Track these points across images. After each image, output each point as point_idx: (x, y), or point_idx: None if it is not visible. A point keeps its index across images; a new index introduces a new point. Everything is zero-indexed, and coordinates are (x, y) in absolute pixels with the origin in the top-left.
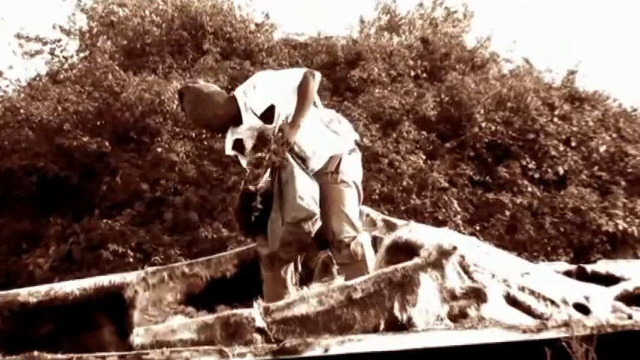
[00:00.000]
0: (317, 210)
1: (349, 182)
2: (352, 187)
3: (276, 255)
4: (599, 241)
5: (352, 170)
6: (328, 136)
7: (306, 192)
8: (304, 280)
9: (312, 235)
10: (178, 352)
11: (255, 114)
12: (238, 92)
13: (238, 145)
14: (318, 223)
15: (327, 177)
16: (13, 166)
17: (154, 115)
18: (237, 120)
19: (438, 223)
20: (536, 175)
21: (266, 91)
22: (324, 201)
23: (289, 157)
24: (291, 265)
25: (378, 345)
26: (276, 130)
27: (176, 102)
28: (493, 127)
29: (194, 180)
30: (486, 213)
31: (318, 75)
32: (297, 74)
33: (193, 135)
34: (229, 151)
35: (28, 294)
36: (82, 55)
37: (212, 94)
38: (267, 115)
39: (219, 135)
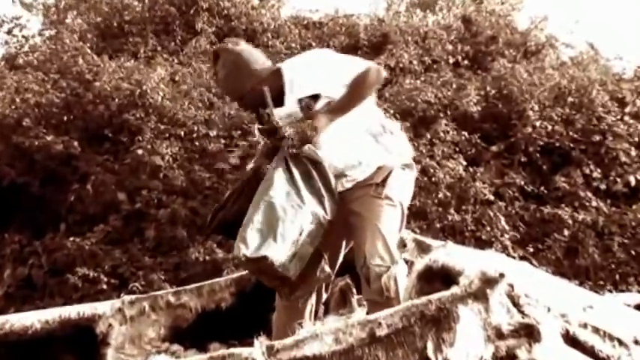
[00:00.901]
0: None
1: (395, 201)
2: (397, 207)
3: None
4: None
5: (401, 188)
6: (375, 148)
7: None
8: (317, 312)
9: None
10: None
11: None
12: (286, 66)
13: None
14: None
15: (369, 189)
16: None
17: (133, 110)
18: (277, 100)
19: (482, 244)
20: (603, 186)
21: (318, 75)
22: (361, 216)
23: (308, 152)
24: (314, 294)
25: None
26: (305, 112)
27: (161, 93)
28: (550, 127)
29: (182, 189)
30: (541, 232)
31: (382, 73)
32: (359, 65)
33: (182, 134)
34: (259, 137)
35: None
36: (46, 34)
37: (254, 62)
38: (308, 104)
39: (248, 112)
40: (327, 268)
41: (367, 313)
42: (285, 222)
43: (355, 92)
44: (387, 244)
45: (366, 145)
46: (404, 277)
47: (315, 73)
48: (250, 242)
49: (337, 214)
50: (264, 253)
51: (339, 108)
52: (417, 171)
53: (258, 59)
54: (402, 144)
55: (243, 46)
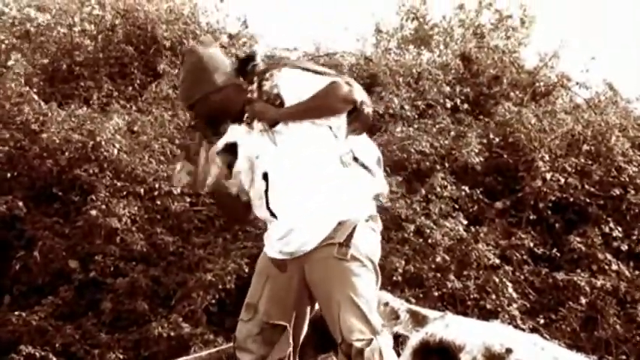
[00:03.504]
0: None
1: (364, 260)
2: (369, 267)
3: None
4: None
5: (369, 244)
6: (344, 190)
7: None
8: None
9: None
10: None
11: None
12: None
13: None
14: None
15: (332, 249)
16: None
17: (86, 164)
18: (238, 115)
19: (486, 315)
20: (624, 247)
21: (285, 90)
22: (327, 284)
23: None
24: None
25: None
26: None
27: (118, 145)
28: (562, 180)
29: (142, 255)
30: (554, 300)
31: (351, 87)
32: (325, 80)
33: (142, 191)
34: (216, 152)
35: None
36: None
37: (213, 69)
38: None
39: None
40: (290, 341)
41: None
42: None
43: (313, 102)
44: (365, 315)
45: (330, 185)
46: (390, 348)
47: (292, 82)
48: None
49: (295, 278)
50: None
51: (295, 108)
52: (410, 232)
53: (220, 67)
54: (375, 182)
55: (209, 50)
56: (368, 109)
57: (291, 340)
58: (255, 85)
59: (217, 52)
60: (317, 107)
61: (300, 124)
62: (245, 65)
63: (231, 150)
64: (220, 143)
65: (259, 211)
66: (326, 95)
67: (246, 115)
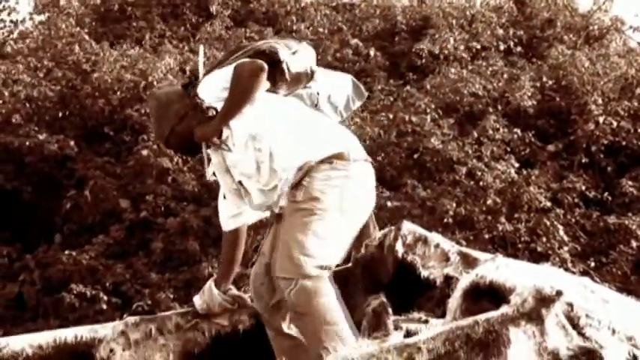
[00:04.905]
0: None
1: (311, 202)
2: (318, 207)
3: None
4: None
5: (323, 184)
6: (300, 139)
7: None
8: None
9: None
10: None
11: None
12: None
13: None
14: None
15: (290, 195)
16: None
17: (137, 104)
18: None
19: (537, 258)
20: None
21: (210, 87)
22: (283, 228)
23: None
24: None
25: None
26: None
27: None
28: (615, 123)
29: (194, 195)
30: (605, 244)
31: (256, 62)
32: (229, 69)
33: None
34: (209, 176)
35: None
36: (38, 19)
37: (167, 104)
38: None
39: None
40: None
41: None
42: None
43: (231, 95)
44: (292, 255)
45: (293, 135)
46: (324, 292)
47: (209, 86)
48: None
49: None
50: None
51: (220, 117)
52: (461, 175)
53: (174, 99)
54: (331, 127)
55: (165, 89)
56: (284, 64)
57: None
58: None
59: (172, 88)
60: (236, 98)
61: (239, 117)
62: (187, 89)
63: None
64: (209, 172)
65: (254, 200)
66: (236, 83)
67: None
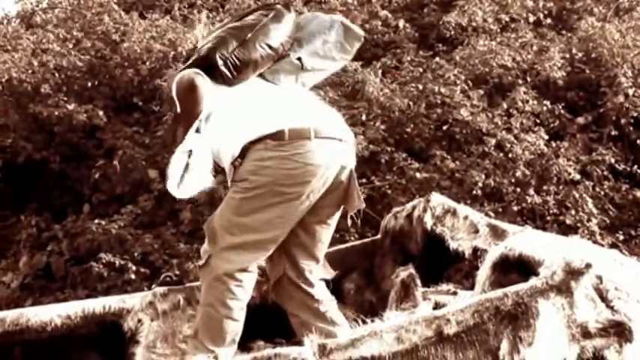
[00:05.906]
0: None
1: (241, 182)
2: (245, 187)
3: None
4: None
5: (254, 164)
6: (241, 121)
7: None
8: (376, 307)
9: None
10: None
11: None
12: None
13: None
14: None
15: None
16: None
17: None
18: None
19: (566, 230)
20: None
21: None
22: None
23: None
24: None
25: None
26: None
27: None
28: None
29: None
30: (634, 216)
31: (188, 75)
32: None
33: None
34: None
35: None
36: None
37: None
38: None
39: None
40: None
41: None
42: None
43: (179, 110)
44: (214, 227)
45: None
46: (248, 283)
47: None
48: None
49: None
50: None
51: (183, 128)
52: (490, 147)
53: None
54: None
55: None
56: (221, 64)
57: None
58: None
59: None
60: (182, 112)
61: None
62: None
63: None
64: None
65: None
66: (178, 100)
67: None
